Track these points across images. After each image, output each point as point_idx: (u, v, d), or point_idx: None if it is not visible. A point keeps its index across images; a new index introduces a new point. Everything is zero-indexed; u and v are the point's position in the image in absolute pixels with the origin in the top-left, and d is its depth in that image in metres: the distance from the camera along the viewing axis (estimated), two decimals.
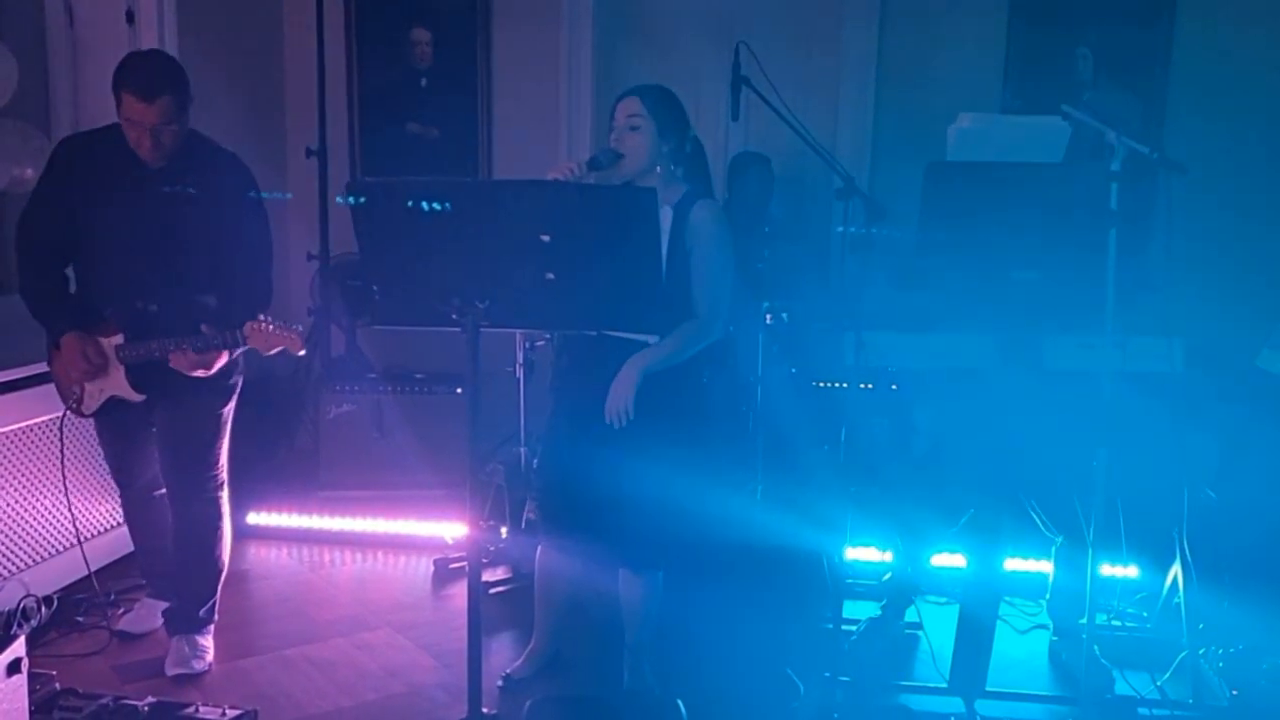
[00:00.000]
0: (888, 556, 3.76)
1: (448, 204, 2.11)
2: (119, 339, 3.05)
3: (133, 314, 3.04)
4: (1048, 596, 3.51)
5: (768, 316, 4.19)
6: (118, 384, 3.09)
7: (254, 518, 4.41)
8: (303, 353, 3.01)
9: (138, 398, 3.10)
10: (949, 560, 3.81)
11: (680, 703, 2.88)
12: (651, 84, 2.90)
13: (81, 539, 3.57)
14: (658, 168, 2.86)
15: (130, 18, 4.21)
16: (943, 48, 4.90)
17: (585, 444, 2.85)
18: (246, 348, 2.99)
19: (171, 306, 3.04)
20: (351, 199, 2.17)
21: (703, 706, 3.02)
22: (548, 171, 2.66)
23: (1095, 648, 2.85)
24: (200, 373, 3.00)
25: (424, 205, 2.11)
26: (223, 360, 3.02)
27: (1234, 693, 3.09)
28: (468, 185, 2.30)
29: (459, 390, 4.59)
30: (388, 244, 2.23)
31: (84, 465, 3.76)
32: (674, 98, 2.91)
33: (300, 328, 2.99)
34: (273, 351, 2.99)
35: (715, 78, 4.84)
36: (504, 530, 4.02)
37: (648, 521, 2.86)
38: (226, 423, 3.26)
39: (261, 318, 2.95)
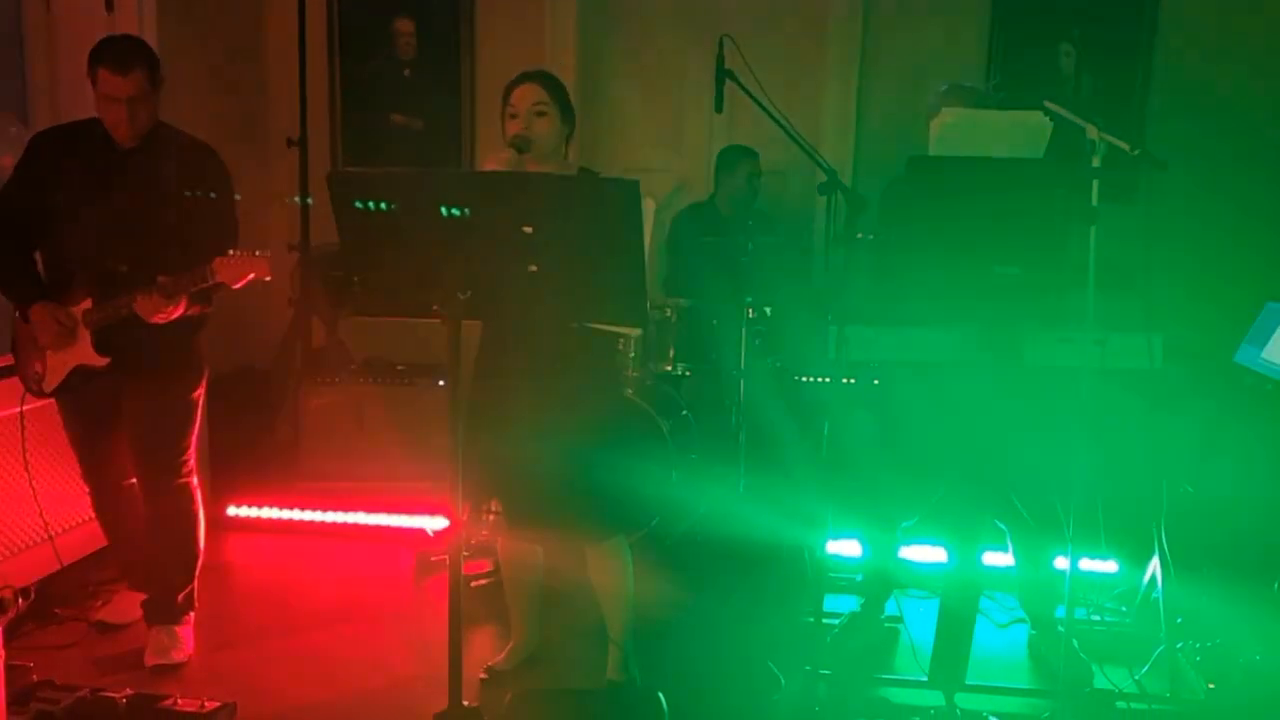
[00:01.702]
0: (861, 549, 3.77)
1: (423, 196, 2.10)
2: (87, 304, 3.06)
3: (102, 275, 3.06)
4: (1017, 589, 3.53)
5: (750, 310, 4.20)
6: (83, 352, 3.09)
7: (234, 509, 4.39)
8: (269, 277, 2.99)
9: (101, 361, 3.09)
10: (929, 555, 3.83)
11: (662, 695, 2.89)
12: (540, 70, 2.93)
13: (51, 533, 3.56)
14: (562, 150, 2.92)
15: (109, 5, 4.17)
16: (926, 43, 4.92)
17: (521, 426, 2.86)
18: (217, 282, 2.96)
19: (140, 265, 3.02)
20: (373, 206, 2.16)
21: (684, 699, 3.03)
22: (484, 162, 2.71)
23: (1074, 642, 2.86)
24: (162, 317, 2.98)
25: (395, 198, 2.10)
26: (182, 308, 3.00)
27: (1211, 686, 3.12)
28: (450, 177, 2.30)
29: (440, 382, 4.58)
30: (369, 234, 2.22)
31: (61, 455, 3.73)
32: (564, 84, 2.96)
33: (269, 252, 2.98)
34: (243, 281, 2.97)
35: (699, 71, 4.84)
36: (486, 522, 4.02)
37: (590, 491, 2.88)
38: (196, 408, 3.26)
39: (229, 251, 2.96)
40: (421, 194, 2.15)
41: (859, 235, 2.94)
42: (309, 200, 4.79)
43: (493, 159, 2.69)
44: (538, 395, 2.86)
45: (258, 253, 2.97)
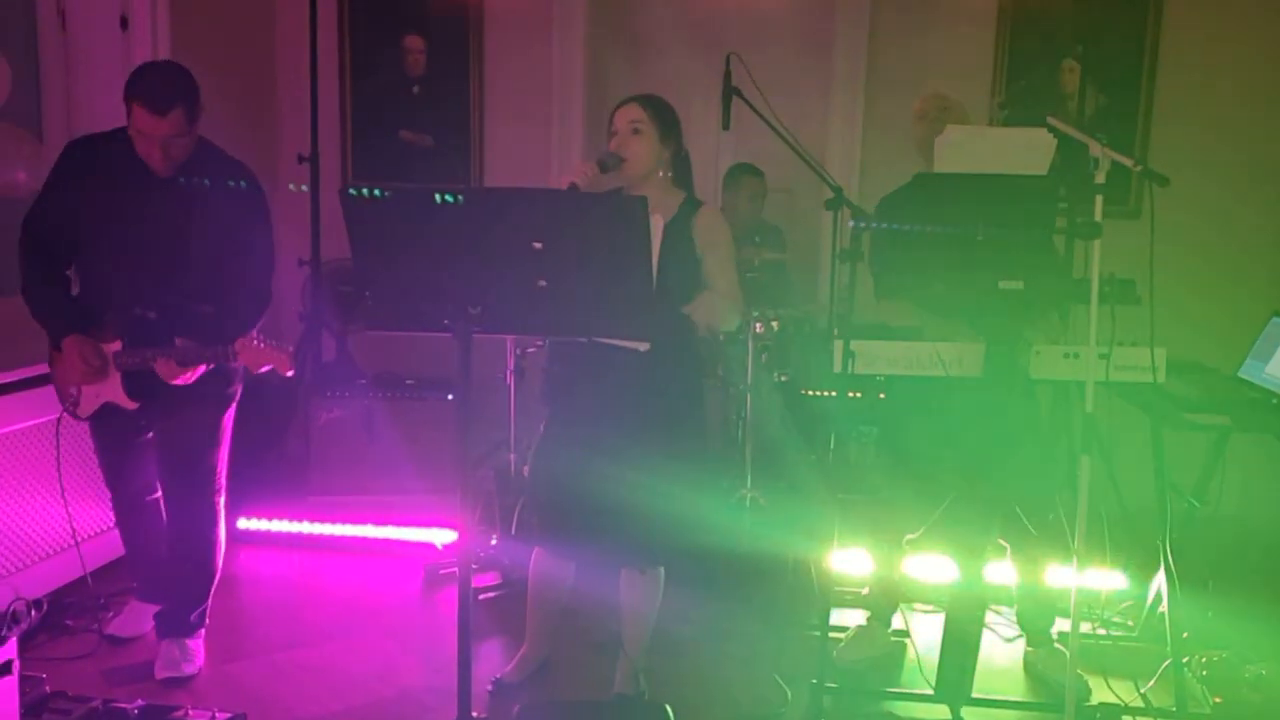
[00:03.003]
0: (870, 563, 3.78)
1: (451, 199, 2.12)
2: (117, 345, 3.05)
3: (131, 320, 3.04)
4: (1015, 606, 3.53)
5: (757, 325, 4.23)
6: (113, 390, 3.09)
7: (245, 523, 4.41)
8: (290, 373, 2.97)
9: (131, 405, 3.10)
10: (935, 569, 3.84)
11: (668, 708, 2.90)
12: (650, 94, 2.97)
13: (78, 540, 3.58)
14: (660, 172, 2.93)
15: (124, 23, 4.22)
16: (931, 60, 4.95)
17: (583, 451, 2.88)
18: (235, 365, 2.98)
19: (169, 314, 3.03)
20: (366, 192, 2.17)
21: (691, 711, 3.05)
22: (561, 175, 2.74)
23: (1067, 654, 2.87)
24: (180, 380, 2.99)
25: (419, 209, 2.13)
26: (200, 370, 3.01)
27: (1217, 700, 3.13)
28: (460, 193, 2.31)
29: (449, 396, 4.60)
30: (381, 250, 2.25)
31: (76, 468, 3.77)
32: (671, 106, 2.99)
33: (291, 348, 2.99)
34: (262, 369, 2.98)
35: (706, 88, 4.86)
36: (494, 538, 4.04)
37: (648, 520, 2.87)
38: (226, 431, 3.26)
39: (254, 335, 2.95)
40: (432, 210, 2.18)
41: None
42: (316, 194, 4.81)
43: (567, 173, 2.72)
44: (617, 420, 2.86)
45: (282, 346, 2.97)
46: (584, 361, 2.91)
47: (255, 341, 2.94)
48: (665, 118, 2.92)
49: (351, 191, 2.13)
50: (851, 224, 2.92)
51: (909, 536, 3.44)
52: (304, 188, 4.81)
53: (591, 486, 2.83)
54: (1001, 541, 3.35)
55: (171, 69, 3.00)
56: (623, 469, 2.80)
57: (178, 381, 2.99)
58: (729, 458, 4.43)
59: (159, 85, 2.87)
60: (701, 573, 3.94)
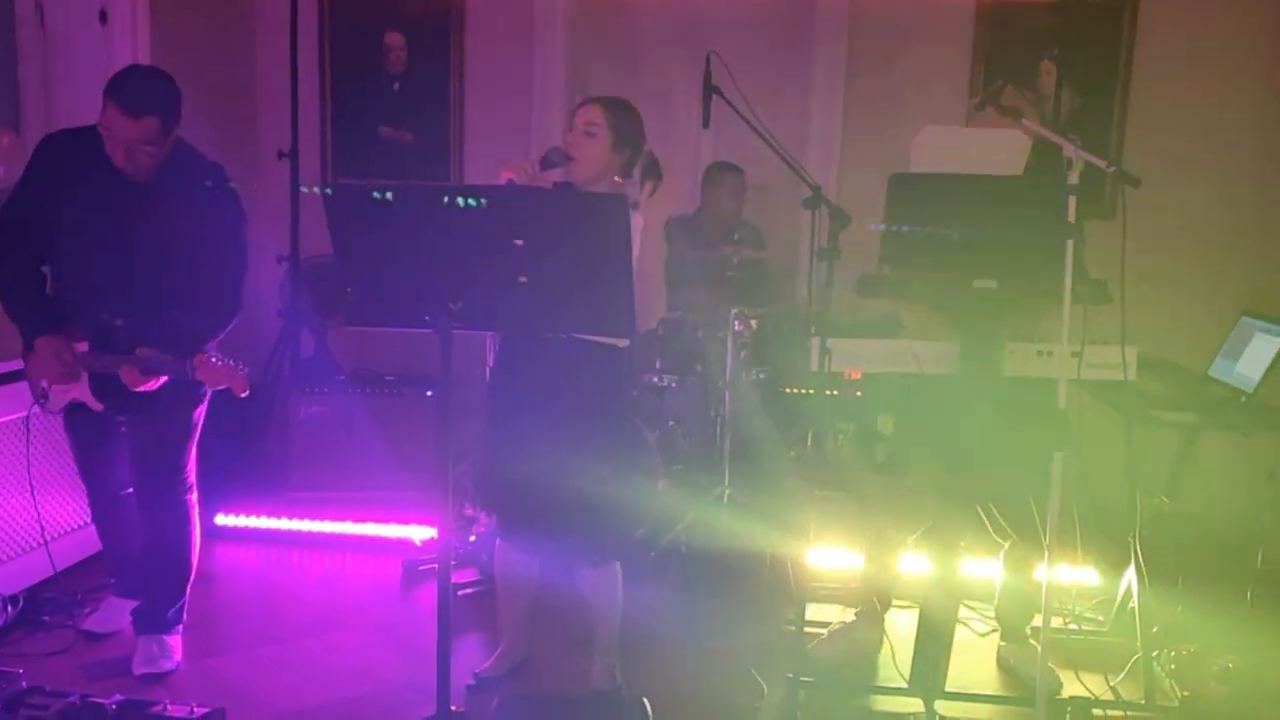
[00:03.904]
0: (854, 563, 3.81)
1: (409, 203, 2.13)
2: (84, 346, 3.06)
3: (98, 326, 3.02)
4: (995, 601, 3.57)
5: (736, 323, 4.26)
6: (81, 390, 3.10)
7: (223, 519, 4.41)
8: (245, 394, 2.99)
9: (98, 406, 3.11)
10: (910, 564, 3.87)
11: (646, 701, 2.93)
12: (616, 96, 2.93)
13: (47, 539, 3.57)
14: (611, 176, 2.90)
15: (103, 18, 4.21)
16: (910, 60, 4.99)
17: (530, 441, 2.89)
18: (194, 379, 2.97)
19: (137, 322, 3.01)
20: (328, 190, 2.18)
21: (669, 706, 3.07)
22: (500, 169, 2.69)
23: (1039, 649, 2.91)
24: (143, 388, 2.99)
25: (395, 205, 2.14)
26: (164, 379, 3.00)
27: (1185, 694, 3.18)
28: (440, 189, 2.34)
29: (428, 392, 4.61)
30: (362, 246, 2.26)
31: (50, 465, 3.75)
32: (635, 113, 2.93)
33: (246, 369, 2.99)
34: (217, 387, 3.01)
35: (686, 87, 4.89)
36: (472, 535, 4.05)
37: (600, 515, 2.89)
38: (197, 426, 3.27)
39: (211, 354, 2.95)
40: (414, 206, 2.19)
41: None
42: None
43: (507, 167, 2.69)
44: (548, 411, 2.89)
45: (241, 368, 2.99)
46: (525, 349, 2.93)
47: (213, 360, 2.94)
48: (623, 124, 2.87)
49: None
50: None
51: (911, 537, 3.46)
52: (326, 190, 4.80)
53: (542, 478, 2.83)
54: (998, 539, 3.37)
55: (157, 76, 2.96)
56: (556, 463, 2.80)
57: (141, 389, 2.98)
58: (702, 452, 4.46)
59: (138, 89, 2.85)
60: (679, 568, 3.98)
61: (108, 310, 3.01)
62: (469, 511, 3.96)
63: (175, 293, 3.02)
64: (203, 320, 3.05)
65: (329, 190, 2.18)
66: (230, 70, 5.27)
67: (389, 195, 2.15)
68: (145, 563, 3.33)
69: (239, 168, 3.22)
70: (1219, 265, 4.79)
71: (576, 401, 2.88)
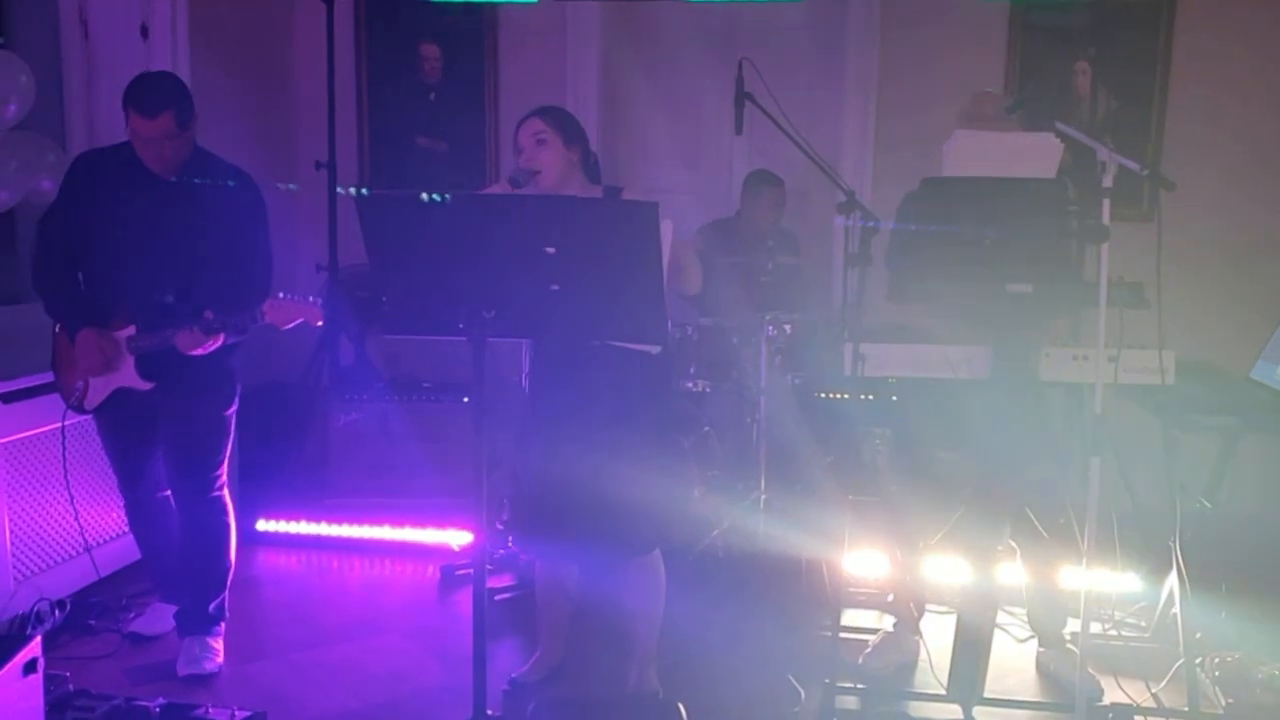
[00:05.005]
0: (888, 569, 3.78)
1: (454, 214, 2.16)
2: (130, 330, 3.17)
3: (148, 305, 3.16)
4: (1026, 608, 3.54)
5: (770, 329, 4.25)
6: (126, 375, 3.19)
7: (263, 524, 4.47)
8: (320, 323, 3.12)
9: (146, 385, 3.20)
10: (947, 570, 3.85)
11: (682, 707, 2.93)
12: (539, 105, 3.01)
13: (90, 544, 3.65)
14: (577, 175, 2.98)
15: (144, 32, 4.29)
16: (944, 63, 4.96)
17: (568, 447, 2.90)
18: (265, 323, 3.07)
19: (186, 296, 3.15)
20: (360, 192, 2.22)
21: (704, 711, 3.07)
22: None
23: (1078, 654, 2.88)
24: (200, 350, 3.11)
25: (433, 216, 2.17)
26: (220, 340, 3.11)
27: (1229, 701, 3.13)
28: (476, 199, 2.36)
29: (465, 399, 4.64)
30: (397, 255, 2.29)
31: (96, 472, 3.82)
32: (569, 113, 3.04)
33: (319, 299, 3.10)
34: (292, 324, 3.09)
35: (719, 94, 4.90)
36: (510, 540, 4.07)
37: (638, 507, 2.90)
38: (230, 424, 3.36)
39: (280, 294, 3.07)
40: (448, 215, 2.22)
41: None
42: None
43: (491, 190, 2.77)
44: (584, 413, 2.90)
45: (311, 298, 3.09)
46: (563, 356, 2.96)
47: (281, 296, 3.06)
48: (565, 124, 2.96)
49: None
50: (860, 223, 2.93)
51: (926, 542, 3.45)
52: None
53: (582, 483, 2.85)
54: (1011, 543, 3.35)
55: (163, 77, 3.23)
56: (592, 467, 2.83)
57: (198, 352, 3.10)
58: (742, 459, 4.45)
59: (148, 91, 3.06)
60: (716, 573, 3.97)
61: (158, 290, 3.16)
62: (500, 525, 3.99)
63: (209, 279, 3.17)
64: (242, 290, 3.16)
65: (363, 192, 2.21)
66: (268, 83, 5.34)
67: (425, 197, 2.17)
68: (184, 560, 3.40)
69: (277, 178, 3.31)
70: (1261, 267, 4.72)
71: (614, 408, 2.90)
